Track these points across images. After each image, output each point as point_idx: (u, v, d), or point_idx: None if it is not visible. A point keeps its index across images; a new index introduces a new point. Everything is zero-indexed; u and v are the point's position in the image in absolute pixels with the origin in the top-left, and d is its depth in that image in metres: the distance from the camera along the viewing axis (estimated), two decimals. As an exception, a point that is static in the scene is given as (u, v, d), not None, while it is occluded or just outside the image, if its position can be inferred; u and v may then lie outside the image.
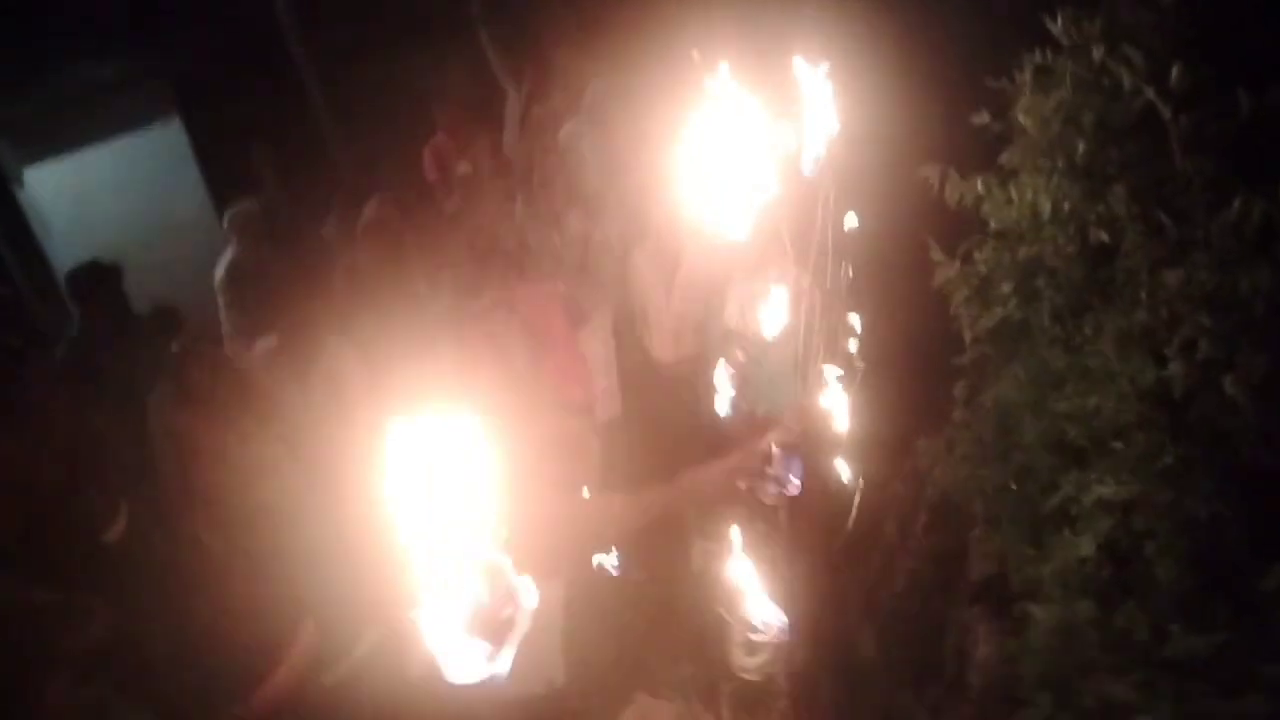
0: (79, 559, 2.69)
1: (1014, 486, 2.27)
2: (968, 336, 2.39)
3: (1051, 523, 2.06)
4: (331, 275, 4.88)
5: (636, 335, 4.59)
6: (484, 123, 6.44)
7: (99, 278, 4.30)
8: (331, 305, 4.59)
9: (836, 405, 3.39)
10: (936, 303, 2.72)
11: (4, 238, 6.33)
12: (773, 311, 2.65)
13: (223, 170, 6.90)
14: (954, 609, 2.78)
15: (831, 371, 3.34)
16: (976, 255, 2.28)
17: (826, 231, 2.89)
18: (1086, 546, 1.69)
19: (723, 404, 2.82)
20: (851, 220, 3.20)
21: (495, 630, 1.32)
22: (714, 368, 4.08)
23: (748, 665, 1.87)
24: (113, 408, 3.79)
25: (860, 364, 3.47)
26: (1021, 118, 2.02)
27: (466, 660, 1.29)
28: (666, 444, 3.92)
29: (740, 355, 3.50)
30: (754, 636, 1.86)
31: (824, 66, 2.24)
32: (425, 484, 1.30)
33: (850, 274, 3.33)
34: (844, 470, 3.47)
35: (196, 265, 6.69)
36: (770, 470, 2.23)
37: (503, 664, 1.30)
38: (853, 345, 3.54)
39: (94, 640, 2.08)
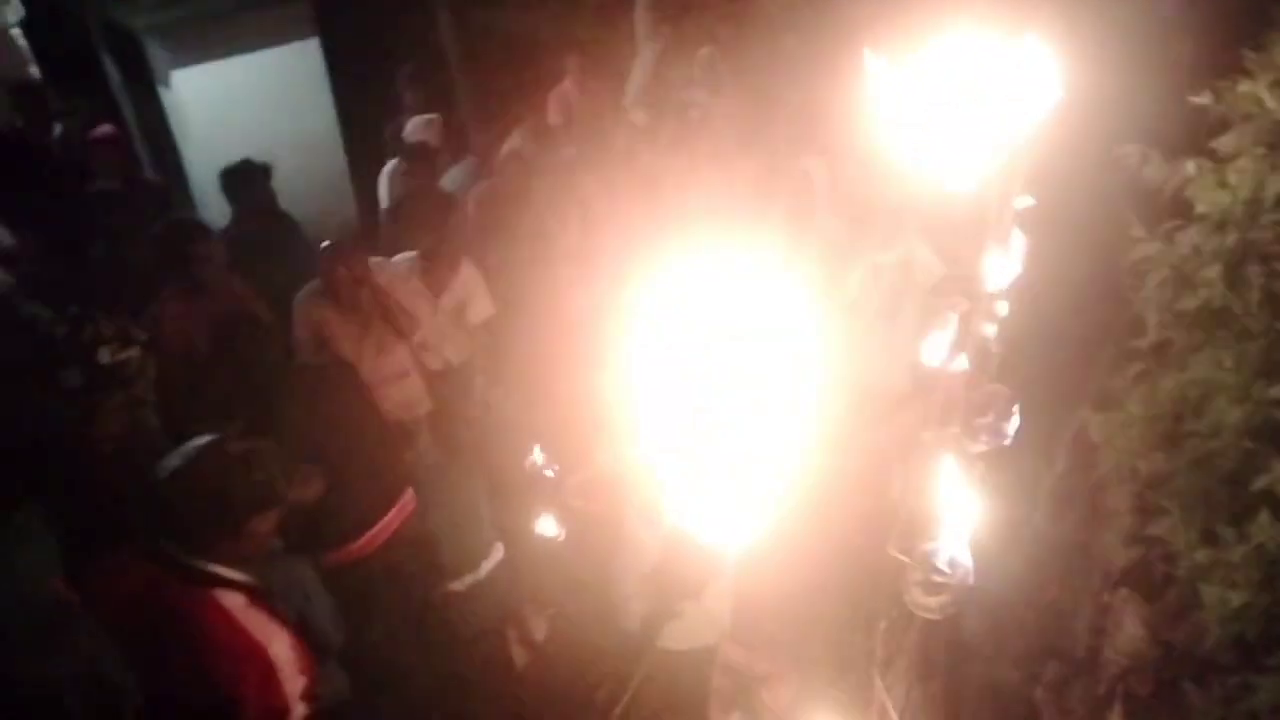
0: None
1: (1186, 474, 2.25)
2: (1153, 319, 2.36)
3: (1235, 513, 2.04)
4: (463, 202, 5.00)
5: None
6: (607, 76, 6.51)
7: (254, 176, 4.48)
8: (464, 231, 4.71)
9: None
10: (1110, 286, 2.70)
11: (145, 134, 6.56)
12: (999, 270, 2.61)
13: (352, 93, 7.07)
14: (1085, 594, 2.77)
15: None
16: (1179, 237, 2.25)
17: (1006, 206, 2.88)
18: (1290, 530, 1.68)
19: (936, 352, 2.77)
20: (1024, 200, 3.17)
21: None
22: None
23: (929, 604, 1.89)
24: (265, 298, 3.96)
25: (997, 349, 3.45)
26: (1266, 98, 1.98)
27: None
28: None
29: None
30: (938, 577, 1.88)
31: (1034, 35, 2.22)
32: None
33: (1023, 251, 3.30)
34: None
35: (320, 181, 6.92)
36: (983, 420, 2.24)
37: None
38: (990, 329, 3.53)
39: (310, 496, 2.24)
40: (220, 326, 3.54)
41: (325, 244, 3.77)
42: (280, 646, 2.22)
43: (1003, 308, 3.48)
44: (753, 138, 5.11)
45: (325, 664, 2.56)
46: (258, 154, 4.73)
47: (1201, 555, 2.06)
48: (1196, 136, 2.36)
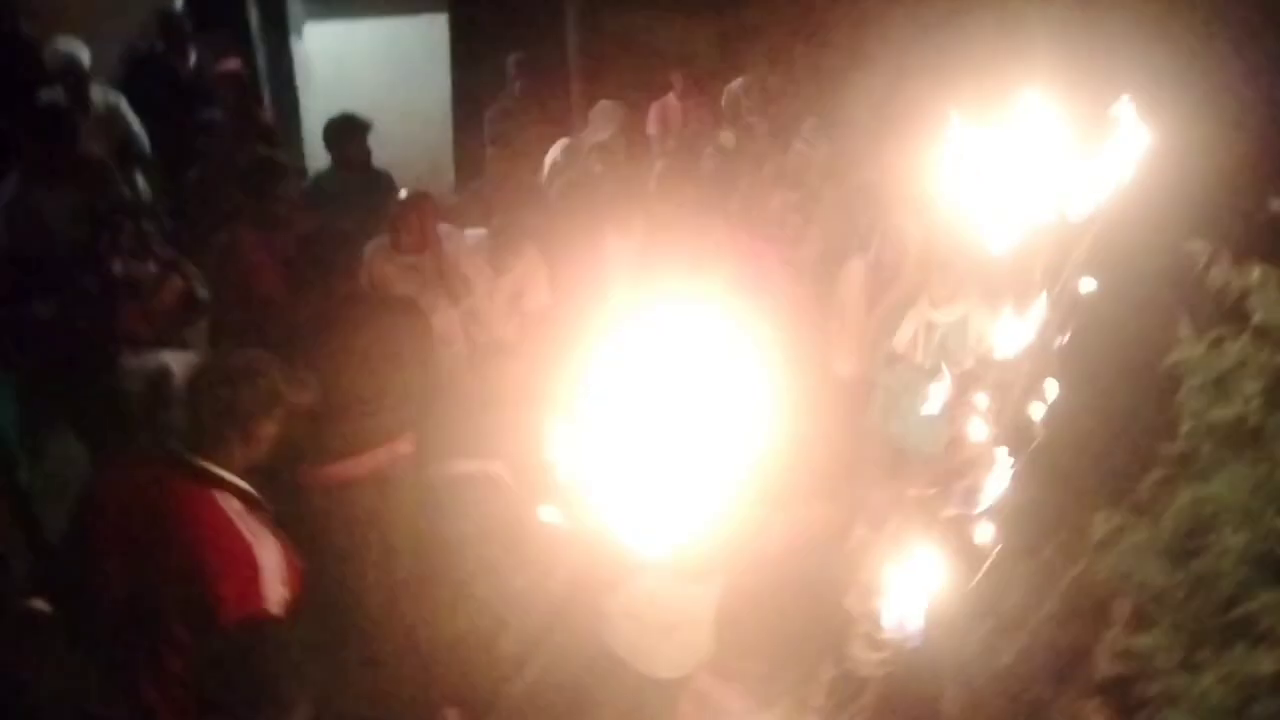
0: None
1: (1183, 592, 2.13)
2: (1184, 426, 2.25)
3: (1220, 640, 1.93)
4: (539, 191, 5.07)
5: (825, 348, 4.55)
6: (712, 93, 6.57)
7: (354, 130, 4.68)
8: (536, 217, 4.77)
9: (998, 468, 3.28)
10: (1152, 387, 2.58)
11: (273, 78, 6.87)
12: (1009, 341, 2.56)
13: (469, 72, 7.29)
14: (1059, 700, 2.63)
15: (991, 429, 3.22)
16: (1227, 345, 2.13)
17: (1063, 285, 2.79)
18: (1268, 665, 1.57)
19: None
20: (1088, 284, 3.07)
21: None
22: (885, 390, 4.02)
23: (869, 659, 1.83)
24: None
25: (1041, 432, 3.33)
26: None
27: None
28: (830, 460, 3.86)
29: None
30: (881, 635, 1.82)
31: (1136, 106, 2.14)
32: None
33: (1064, 338, 3.19)
34: (985, 531, 3.35)
35: (423, 152, 7.12)
36: (960, 484, 2.17)
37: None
38: (1037, 411, 3.41)
39: (306, 401, 2.37)
40: (307, 244, 3.58)
41: (403, 192, 3.88)
42: (269, 554, 2.28)
43: (1052, 388, 3.37)
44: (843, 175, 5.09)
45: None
46: (369, 114, 4.93)
47: (1178, 680, 1.94)
48: (1272, 244, 2.26)
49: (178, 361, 2.50)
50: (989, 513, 3.35)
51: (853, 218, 4.78)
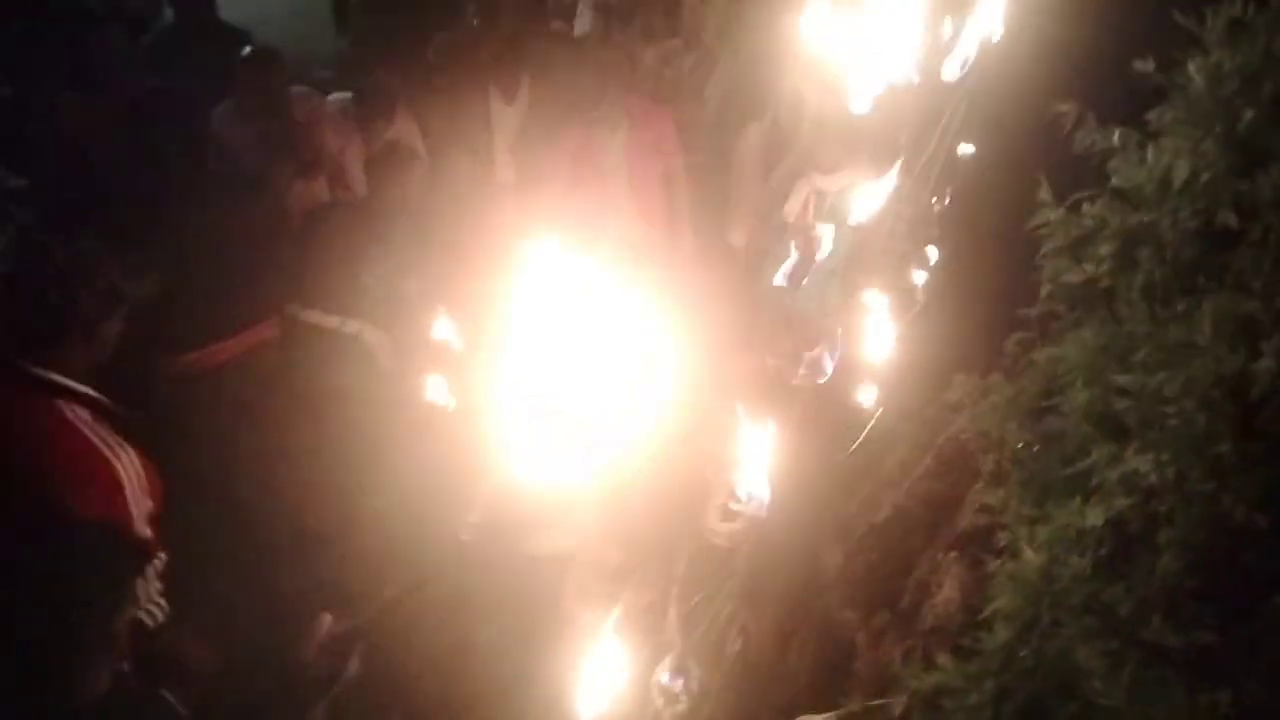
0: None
1: (1036, 448, 2.22)
2: (1044, 289, 2.28)
3: (1065, 493, 2.01)
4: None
5: (722, 216, 4.49)
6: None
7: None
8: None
9: (880, 329, 3.32)
10: (1024, 251, 2.61)
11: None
12: (853, 209, 2.54)
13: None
14: (929, 550, 2.77)
15: (881, 295, 3.25)
16: (1086, 208, 2.14)
17: (939, 149, 2.75)
18: (1095, 517, 1.64)
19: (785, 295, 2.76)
20: (966, 149, 3.04)
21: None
22: (773, 258, 4.01)
23: (719, 530, 1.87)
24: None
25: (923, 295, 3.37)
26: (1192, 71, 1.85)
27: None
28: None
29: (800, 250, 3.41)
30: (734, 505, 1.85)
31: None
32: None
33: (944, 201, 3.19)
34: (868, 393, 3.43)
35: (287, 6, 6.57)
36: (808, 354, 2.18)
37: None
38: (919, 276, 3.44)
39: (148, 293, 2.23)
40: (137, 108, 3.32)
41: (246, 50, 3.56)
42: (127, 463, 2.17)
43: (932, 254, 3.40)
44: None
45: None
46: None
47: (1022, 532, 2.03)
48: (1137, 106, 2.24)
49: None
50: (872, 375, 3.42)
51: (748, 81, 4.64)
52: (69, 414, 2.13)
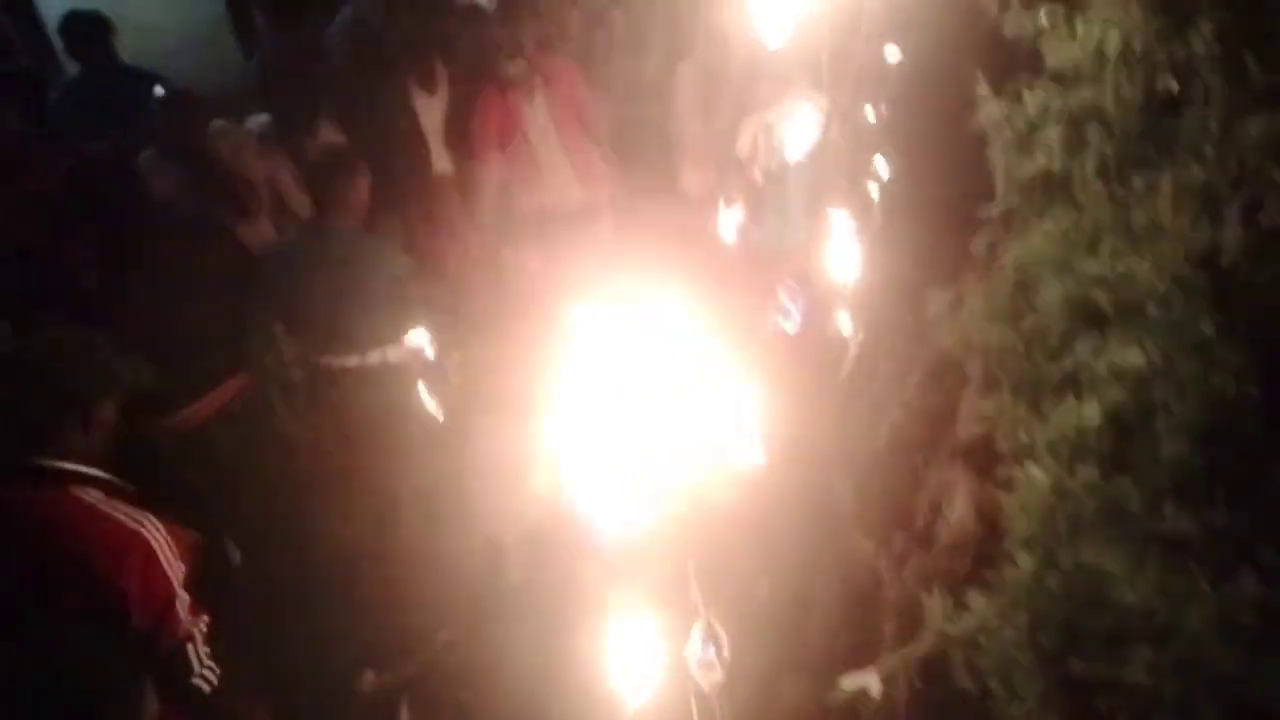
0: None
1: (1020, 349, 2.18)
2: (1000, 186, 2.23)
3: (1056, 390, 1.98)
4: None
5: (669, 163, 4.40)
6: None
7: (91, 28, 4.06)
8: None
9: (845, 251, 3.27)
10: (973, 149, 2.55)
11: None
12: (796, 138, 2.47)
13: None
14: (934, 467, 2.75)
15: (842, 218, 3.19)
16: (1026, 96, 2.08)
17: (865, 59, 2.67)
18: (1091, 414, 1.61)
19: (733, 234, 2.70)
20: (893, 53, 2.96)
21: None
22: (728, 198, 3.93)
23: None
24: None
25: (880, 211, 3.31)
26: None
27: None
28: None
29: (754, 184, 3.33)
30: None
31: None
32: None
33: (883, 111, 3.12)
34: (845, 319, 3.38)
35: (198, 35, 6.37)
36: (776, 304, 2.13)
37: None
38: (873, 190, 3.37)
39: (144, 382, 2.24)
40: (76, 180, 3.20)
41: (158, 89, 3.43)
42: (152, 530, 2.14)
43: (883, 169, 3.33)
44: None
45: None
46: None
47: (1023, 433, 2.01)
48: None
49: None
50: (844, 301, 3.38)
51: (675, 19, 4.53)
52: (85, 497, 2.11)
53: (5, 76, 3.86)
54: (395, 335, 3.39)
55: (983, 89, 2.10)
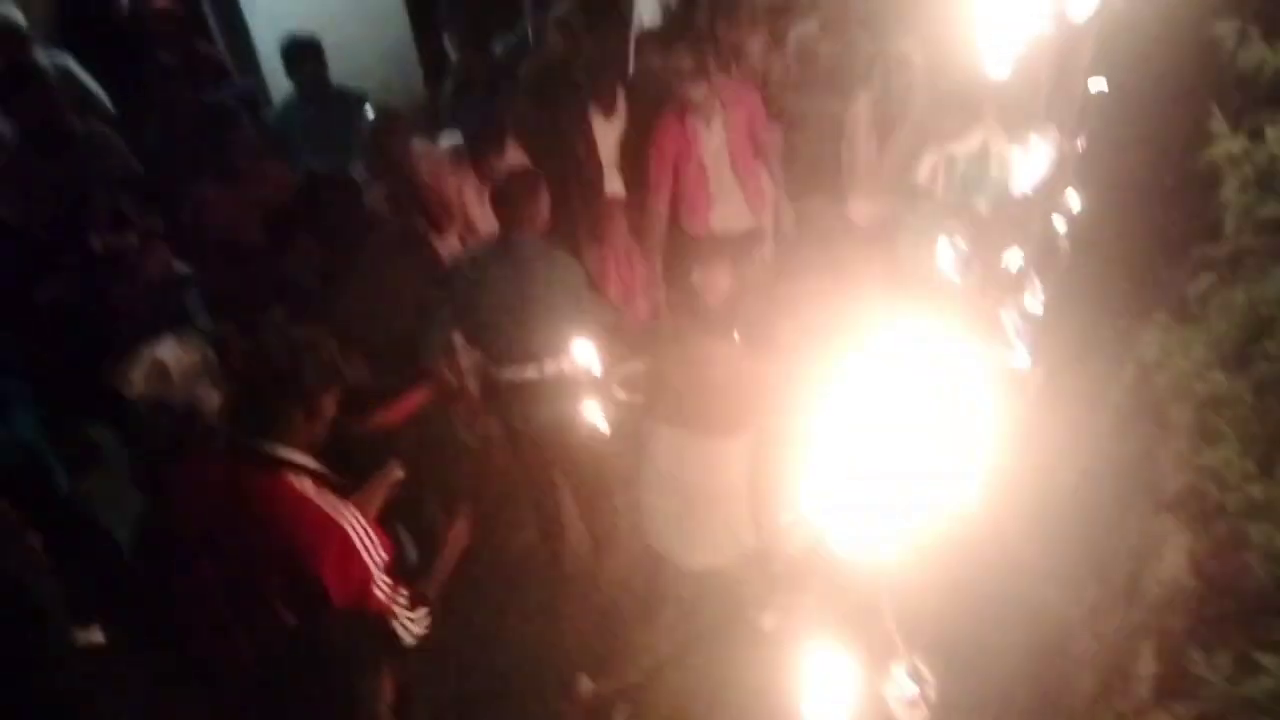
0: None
1: (1248, 398, 2.05)
2: (1230, 225, 2.11)
3: (1291, 444, 1.86)
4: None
5: (839, 191, 4.37)
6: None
7: (304, 51, 4.36)
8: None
9: (1029, 289, 3.16)
10: (1194, 185, 2.42)
11: (215, 5, 6.45)
12: (1026, 170, 2.40)
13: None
14: (1133, 516, 2.61)
15: (1024, 256, 3.09)
16: (1268, 132, 1.97)
17: (1077, 92, 2.59)
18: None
19: (948, 266, 2.63)
20: (1097, 83, 2.85)
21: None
22: (910, 229, 3.87)
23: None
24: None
25: (1067, 246, 3.19)
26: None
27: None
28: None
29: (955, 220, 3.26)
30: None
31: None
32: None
33: (1080, 144, 3.00)
34: (1022, 356, 3.26)
35: (385, 52, 6.74)
36: (1001, 338, 2.08)
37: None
38: (1060, 225, 3.25)
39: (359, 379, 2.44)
40: (307, 192, 3.43)
41: (369, 111, 3.64)
42: (354, 521, 2.27)
43: (1073, 201, 3.20)
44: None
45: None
46: (323, 22, 4.57)
47: (1256, 489, 1.89)
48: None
49: (171, 353, 2.41)
50: (1022, 336, 3.26)
51: (853, 50, 4.50)
52: (298, 485, 2.24)
53: (240, 96, 4.18)
54: (569, 349, 3.47)
55: (1218, 124, 2.00)
